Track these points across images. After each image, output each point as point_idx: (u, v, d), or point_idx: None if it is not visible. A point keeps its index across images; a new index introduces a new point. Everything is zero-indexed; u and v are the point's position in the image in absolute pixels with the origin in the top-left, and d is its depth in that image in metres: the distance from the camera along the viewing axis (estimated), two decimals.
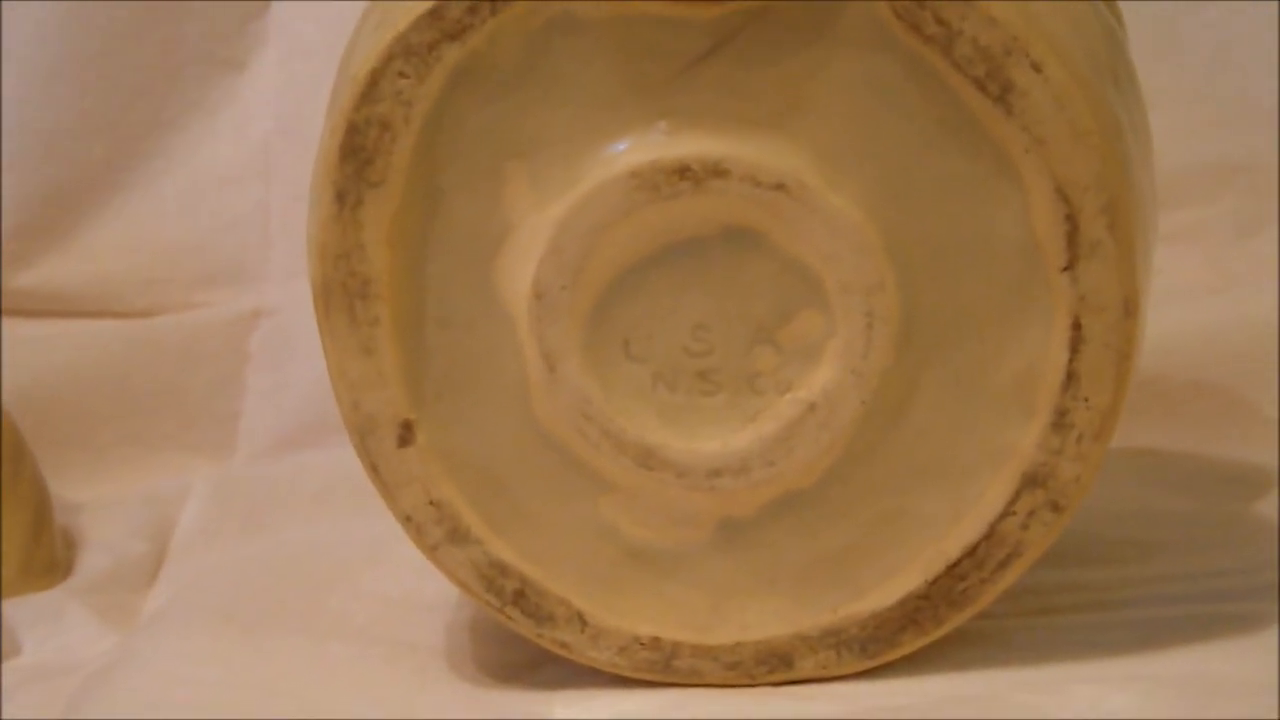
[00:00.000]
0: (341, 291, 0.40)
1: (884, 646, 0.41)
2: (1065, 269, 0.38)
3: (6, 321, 0.64)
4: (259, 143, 0.67)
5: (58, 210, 0.66)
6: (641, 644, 0.41)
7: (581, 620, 0.41)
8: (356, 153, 0.39)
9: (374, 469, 0.41)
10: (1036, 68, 0.37)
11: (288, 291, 0.65)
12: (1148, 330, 0.40)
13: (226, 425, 0.63)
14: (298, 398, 0.63)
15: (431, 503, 0.41)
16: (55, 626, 0.48)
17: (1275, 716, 0.38)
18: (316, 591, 0.48)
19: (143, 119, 0.67)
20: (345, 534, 0.52)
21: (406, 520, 0.41)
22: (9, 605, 0.48)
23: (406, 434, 0.41)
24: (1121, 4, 0.67)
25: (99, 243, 0.66)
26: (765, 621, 0.41)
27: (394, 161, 0.39)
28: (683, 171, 0.38)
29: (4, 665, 0.46)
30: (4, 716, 0.43)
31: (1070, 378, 0.39)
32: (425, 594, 0.47)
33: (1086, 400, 0.39)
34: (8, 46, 0.65)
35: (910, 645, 0.41)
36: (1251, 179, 0.65)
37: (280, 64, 0.68)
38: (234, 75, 0.68)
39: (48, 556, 0.51)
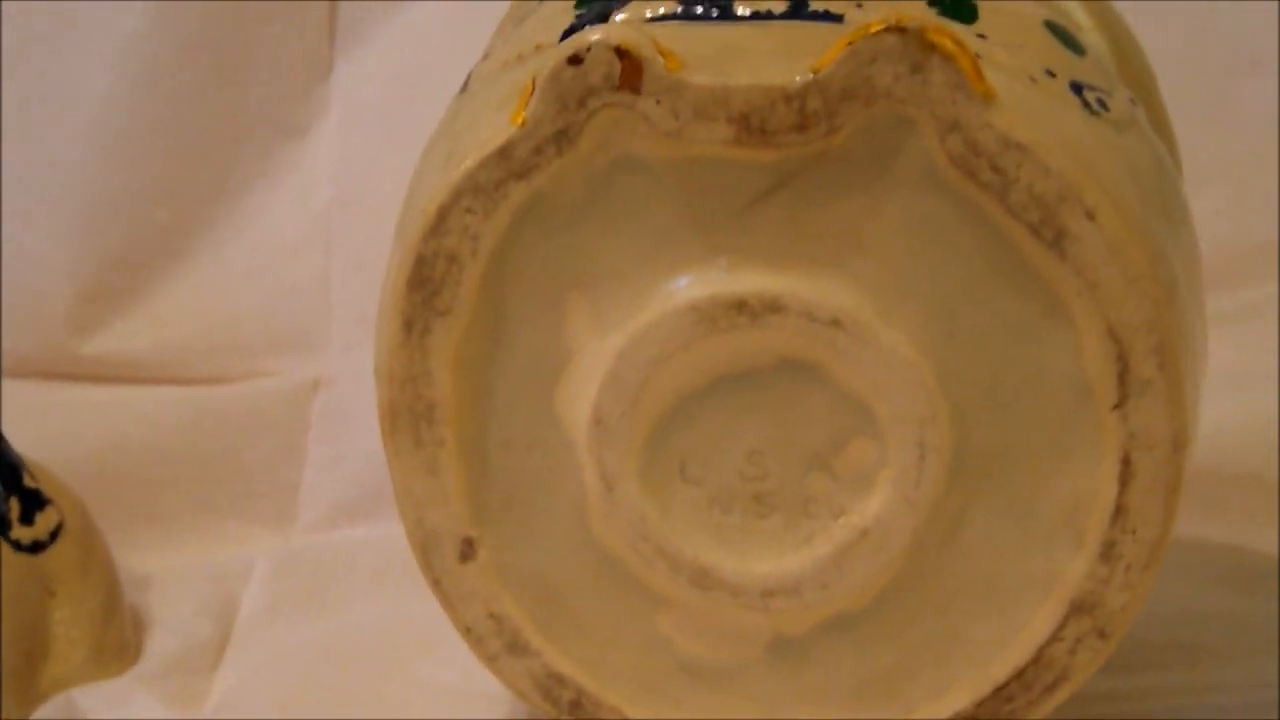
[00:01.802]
0: (408, 414, 0.41)
1: None
2: (1116, 407, 0.39)
3: (75, 387, 0.66)
4: (320, 210, 0.69)
5: (123, 276, 0.67)
6: None
7: None
8: (424, 283, 0.40)
9: (436, 582, 0.42)
10: (1090, 215, 0.38)
11: (347, 362, 0.66)
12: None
13: (288, 494, 0.64)
14: (356, 468, 0.64)
15: (491, 615, 0.42)
16: (124, 715, 0.49)
17: None
18: (377, 680, 0.49)
19: (207, 185, 0.68)
20: (403, 615, 0.53)
21: (467, 631, 0.42)
22: (80, 692, 0.50)
23: (468, 550, 0.42)
24: (1176, 71, 0.67)
25: (164, 309, 0.67)
26: None
27: (460, 292, 0.40)
28: (740, 306, 0.39)
29: None
30: None
31: (1119, 511, 0.40)
32: (481, 683, 0.48)
33: (1134, 532, 0.40)
34: (75, 112, 0.67)
35: None
36: None
37: (341, 130, 0.70)
38: (296, 142, 0.69)
39: (118, 640, 0.52)
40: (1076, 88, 0.40)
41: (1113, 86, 0.42)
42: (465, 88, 0.43)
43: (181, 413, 0.65)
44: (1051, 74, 0.40)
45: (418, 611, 0.53)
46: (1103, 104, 0.40)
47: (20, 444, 0.56)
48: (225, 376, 0.67)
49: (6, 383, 0.65)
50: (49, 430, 0.63)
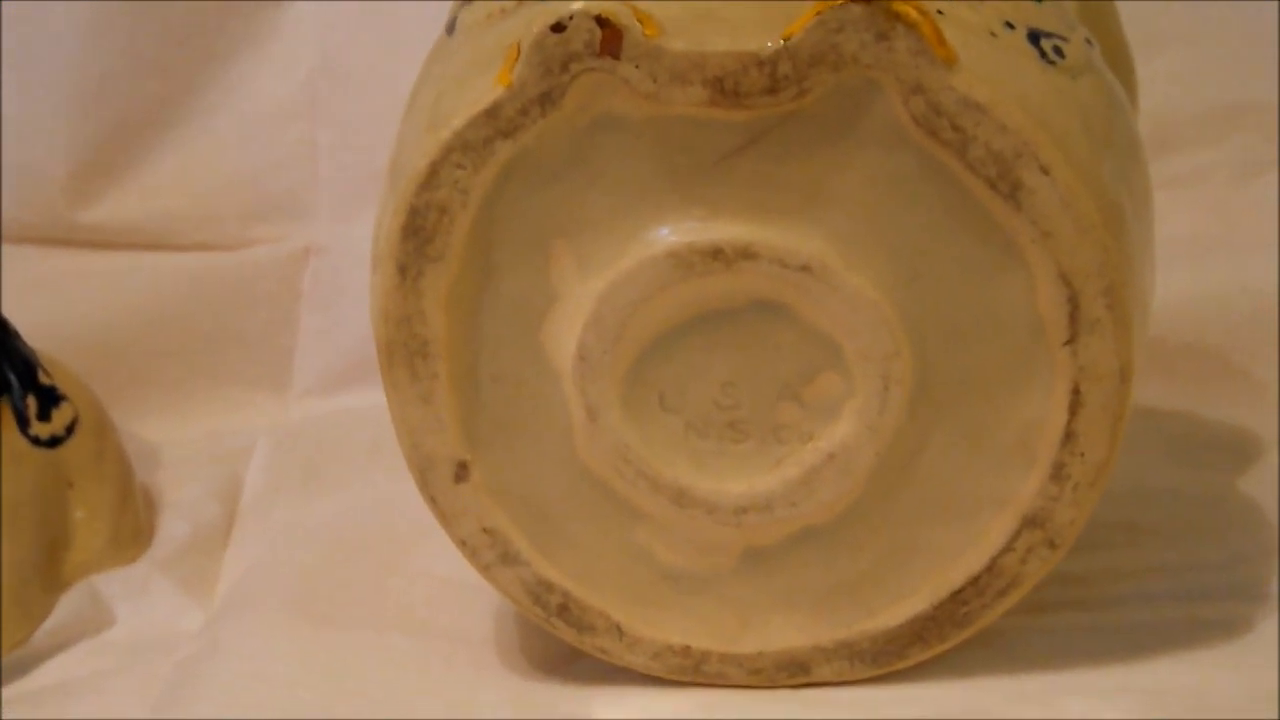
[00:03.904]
0: (403, 350, 0.43)
1: (893, 658, 0.46)
2: (1067, 343, 0.42)
3: (73, 255, 0.67)
4: (304, 77, 0.69)
5: (117, 147, 0.68)
6: (673, 651, 0.46)
7: (619, 630, 0.46)
8: (417, 232, 0.42)
9: (433, 501, 0.45)
10: (1044, 170, 0.40)
11: (336, 231, 0.68)
12: None
13: (283, 361, 0.66)
14: (349, 336, 0.66)
15: (484, 530, 0.45)
16: (143, 600, 0.52)
17: None
18: (376, 573, 0.52)
19: (195, 54, 0.69)
20: (397, 498, 0.54)
21: (462, 544, 0.45)
22: (102, 579, 0.53)
23: (462, 472, 0.45)
24: None
25: (157, 178, 0.69)
26: (786, 635, 0.46)
27: (451, 240, 0.42)
28: (715, 253, 0.41)
29: (100, 637, 0.51)
30: (104, 698, 0.47)
31: (1069, 435, 0.43)
32: (474, 574, 0.51)
33: (1083, 455, 0.43)
34: None
35: (917, 657, 0.45)
36: (1258, 120, 0.67)
37: None
38: (280, 8, 0.70)
39: (133, 526, 0.55)
40: (1034, 37, 0.42)
41: (1070, 29, 0.43)
42: (451, 30, 0.44)
43: (177, 280, 0.67)
44: (1011, 26, 0.42)
45: (411, 493, 0.56)
46: (1059, 51, 0.42)
47: (22, 312, 0.58)
48: (218, 244, 0.68)
49: (8, 249, 0.67)
50: (50, 298, 0.65)
